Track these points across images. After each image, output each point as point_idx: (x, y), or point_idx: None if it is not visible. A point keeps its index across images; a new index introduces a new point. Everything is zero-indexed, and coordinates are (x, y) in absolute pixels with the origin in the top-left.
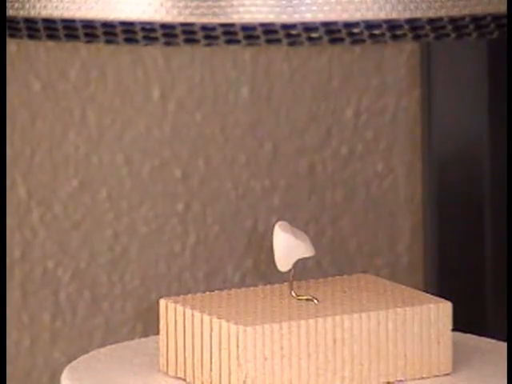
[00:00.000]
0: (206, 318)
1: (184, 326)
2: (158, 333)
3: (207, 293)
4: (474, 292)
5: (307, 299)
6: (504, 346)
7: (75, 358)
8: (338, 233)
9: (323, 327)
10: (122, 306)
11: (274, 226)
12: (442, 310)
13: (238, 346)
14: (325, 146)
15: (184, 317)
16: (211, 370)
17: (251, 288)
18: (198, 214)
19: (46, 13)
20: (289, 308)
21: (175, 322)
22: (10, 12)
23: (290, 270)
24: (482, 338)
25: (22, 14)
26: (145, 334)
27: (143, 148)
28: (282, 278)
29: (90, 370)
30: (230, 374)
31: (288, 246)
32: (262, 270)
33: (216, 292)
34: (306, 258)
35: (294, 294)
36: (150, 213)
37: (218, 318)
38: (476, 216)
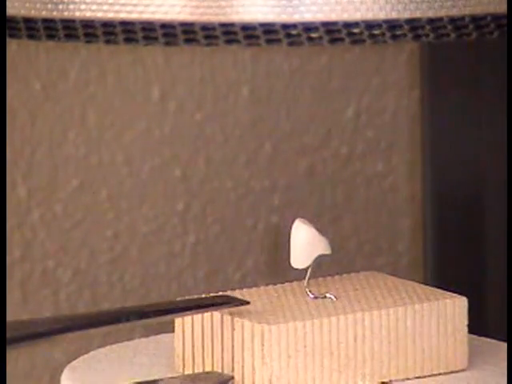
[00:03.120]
0: (227, 317)
1: (202, 327)
2: (157, 333)
3: (220, 293)
4: (474, 292)
5: (324, 297)
6: (504, 345)
7: (75, 358)
8: (338, 233)
9: (345, 325)
10: (122, 305)
11: (292, 223)
12: (457, 306)
13: (262, 345)
14: (325, 146)
15: (202, 317)
16: (233, 369)
17: (262, 287)
18: (197, 213)
19: (45, 13)
20: (307, 306)
21: (192, 322)
22: (9, 12)
23: (307, 268)
24: (482, 337)
25: (23, 13)
26: (145, 334)
27: (143, 148)
28: (282, 277)
29: (90, 370)
30: (253, 374)
31: (308, 243)
32: (263, 270)
33: (229, 292)
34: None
35: (309, 293)
36: (150, 213)
37: (240, 318)
38: (476, 216)
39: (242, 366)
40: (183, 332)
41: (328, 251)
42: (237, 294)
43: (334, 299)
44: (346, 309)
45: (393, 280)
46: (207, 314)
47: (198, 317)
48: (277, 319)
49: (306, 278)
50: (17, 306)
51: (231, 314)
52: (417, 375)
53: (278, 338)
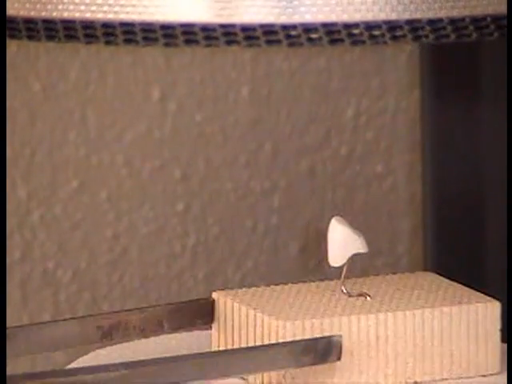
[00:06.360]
0: (252, 312)
1: (239, 323)
2: (156, 334)
3: (253, 288)
4: None
5: (358, 295)
6: (504, 345)
7: (75, 359)
8: None
9: (366, 325)
10: (122, 306)
11: (329, 220)
12: (490, 310)
13: None
14: (325, 147)
15: (239, 313)
16: None
17: (300, 284)
18: (197, 214)
19: (45, 13)
20: (334, 304)
21: (232, 318)
22: (10, 12)
23: (343, 266)
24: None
25: (22, 14)
26: (144, 336)
27: (143, 148)
28: (283, 277)
29: None
30: None
31: (344, 241)
32: (262, 271)
33: (262, 287)
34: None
35: (344, 290)
36: (150, 213)
37: (263, 313)
38: (476, 216)
39: None
40: (218, 331)
41: (363, 249)
42: (269, 289)
43: (368, 298)
44: (371, 309)
45: (443, 281)
46: (237, 309)
47: (236, 313)
48: (295, 316)
49: (342, 275)
50: (17, 306)
51: (255, 308)
52: (444, 377)
53: (292, 335)
